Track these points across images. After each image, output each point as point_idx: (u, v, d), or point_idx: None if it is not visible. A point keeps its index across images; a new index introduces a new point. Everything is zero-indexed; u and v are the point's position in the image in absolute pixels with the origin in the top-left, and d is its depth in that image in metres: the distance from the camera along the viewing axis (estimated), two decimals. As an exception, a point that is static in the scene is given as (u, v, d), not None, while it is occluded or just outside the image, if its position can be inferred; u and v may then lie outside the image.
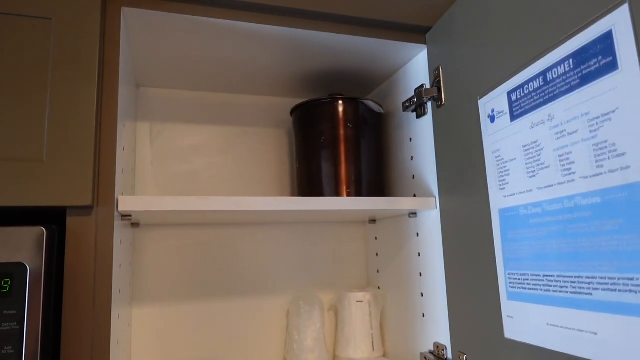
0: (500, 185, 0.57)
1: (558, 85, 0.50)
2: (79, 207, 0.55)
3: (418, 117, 0.80)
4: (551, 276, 0.50)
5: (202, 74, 0.86)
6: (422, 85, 0.79)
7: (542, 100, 0.52)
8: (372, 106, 0.85)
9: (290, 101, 1.00)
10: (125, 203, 0.59)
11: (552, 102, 0.50)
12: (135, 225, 0.82)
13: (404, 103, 0.80)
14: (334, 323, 0.95)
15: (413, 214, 0.81)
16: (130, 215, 0.65)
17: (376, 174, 0.84)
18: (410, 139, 0.83)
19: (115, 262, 0.59)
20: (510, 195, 0.56)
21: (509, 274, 0.56)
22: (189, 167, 0.91)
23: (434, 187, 0.75)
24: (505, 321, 0.56)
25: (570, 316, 0.48)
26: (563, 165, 0.49)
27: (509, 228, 0.56)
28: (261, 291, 0.92)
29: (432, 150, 0.75)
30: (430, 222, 0.76)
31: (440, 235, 0.73)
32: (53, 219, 0.61)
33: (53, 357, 0.53)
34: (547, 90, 0.51)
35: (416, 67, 0.81)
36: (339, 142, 0.82)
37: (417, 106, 0.79)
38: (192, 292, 0.88)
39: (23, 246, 0.50)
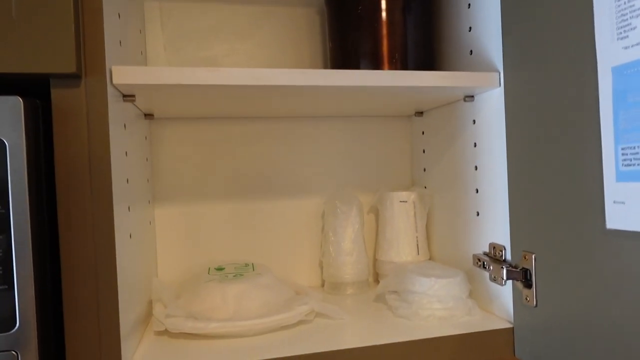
0: (621, 32, 0.43)
1: None
2: (63, 76, 0.46)
3: (479, -28, 0.64)
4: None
5: None
6: None
7: None
8: (420, -35, 0.69)
9: (321, -27, 0.85)
10: (120, 74, 0.49)
11: None
12: (149, 116, 0.74)
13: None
14: (374, 226, 0.86)
15: (469, 97, 0.68)
16: (133, 95, 0.56)
17: (424, 50, 0.70)
18: (469, 4, 0.67)
19: (117, 146, 0.51)
20: (637, 45, 0.41)
21: (622, 149, 0.43)
22: (207, 53, 0.80)
23: (498, 62, 0.61)
24: (610, 208, 0.44)
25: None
26: None
27: (630, 90, 0.42)
28: (294, 191, 0.83)
29: (496, 16, 0.60)
30: (490, 104, 0.63)
31: (503, 119, 0.60)
32: (40, 96, 0.53)
33: (51, 245, 0.47)
34: None
35: None
36: (379, 11, 0.68)
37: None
38: (218, 191, 0.81)
39: (-3, 119, 0.42)
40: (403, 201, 0.79)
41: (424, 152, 0.84)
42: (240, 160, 0.82)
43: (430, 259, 0.81)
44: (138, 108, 0.67)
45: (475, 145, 0.67)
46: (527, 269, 0.56)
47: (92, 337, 0.48)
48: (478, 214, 0.67)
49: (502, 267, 0.58)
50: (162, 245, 0.79)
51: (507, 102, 0.59)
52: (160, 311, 0.62)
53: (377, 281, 0.84)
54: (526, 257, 0.56)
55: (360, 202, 0.81)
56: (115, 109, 0.51)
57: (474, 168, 0.68)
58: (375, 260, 0.84)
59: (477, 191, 0.67)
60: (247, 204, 0.82)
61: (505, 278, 0.58)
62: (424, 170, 0.84)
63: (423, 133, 0.84)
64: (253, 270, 0.71)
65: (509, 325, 0.60)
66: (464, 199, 0.70)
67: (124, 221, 0.53)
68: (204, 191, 0.80)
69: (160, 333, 0.62)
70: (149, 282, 0.68)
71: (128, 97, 0.56)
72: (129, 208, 0.56)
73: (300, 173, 0.84)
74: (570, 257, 0.50)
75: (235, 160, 0.81)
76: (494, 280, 0.62)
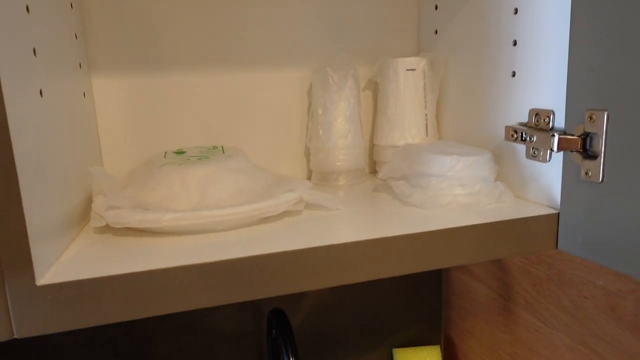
0: None
1: None
2: None
3: None
4: None
5: None
6: None
7: None
8: None
9: None
10: None
11: None
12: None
13: None
14: (371, 106, 0.71)
15: None
16: None
17: None
18: None
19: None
20: None
21: None
22: None
23: None
24: None
25: None
26: None
27: None
28: (274, 61, 0.65)
29: None
30: None
31: None
32: None
33: None
34: None
35: None
36: None
37: None
38: (177, 57, 0.62)
39: None
40: (411, 69, 0.63)
41: (436, 8, 0.66)
42: (206, 16, 0.62)
43: (442, 141, 0.67)
44: None
45: (516, -19, 0.50)
46: (590, 134, 0.42)
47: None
48: (514, 74, 0.52)
49: (553, 135, 0.44)
50: (106, 128, 0.61)
51: None
52: (101, 203, 0.46)
53: (374, 172, 0.70)
54: (592, 117, 0.41)
55: (357, 71, 0.64)
56: None
57: (512, 11, 0.51)
58: (372, 146, 0.69)
59: (514, 43, 0.51)
60: (215, 75, 0.64)
61: (556, 149, 0.44)
62: (435, 32, 0.66)
63: (436, -17, 0.65)
64: (223, 153, 0.55)
65: (552, 211, 0.47)
66: (494, 56, 0.54)
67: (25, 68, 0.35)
68: (157, 55, 0.61)
69: (101, 230, 0.47)
70: (87, 172, 0.52)
71: None
72: (42, 91, 0.38)
73: (281, 38, 0.65)
74: (666, 109, 0.35)
75: (200, 15, 0.62)
76: (533, 156, 0.48)
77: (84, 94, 0.56)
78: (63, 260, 0.40)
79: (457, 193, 0.50)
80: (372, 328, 0.81)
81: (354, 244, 0.41)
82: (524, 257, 0.64)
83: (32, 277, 0.34)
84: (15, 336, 0.35)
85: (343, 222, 0.47)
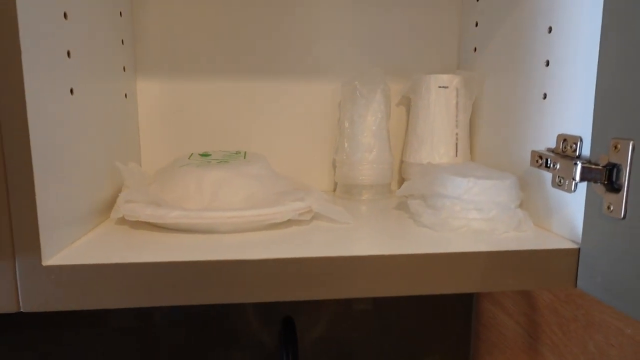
0: None
1: None
2: None
3: None
4: None
5: None
6: None
7: None
8: None
9: None
10: None
11: None
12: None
13: None
14: (404, 122, 0.69)
15: None
16: None
17: None
18: None
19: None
20: None
21: None
22: None
23: None
24: None
25: None
26: None
27: None
28: (305, 72, 0.67)
29: None
30: None
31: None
32: None
33: None
34: None
35: None
36: None
37: None
38: (215, 65, 0.65)
39: None
40: (443, 86, 0.61)
41: (476, 24, 0.64)
42: (244, 27, 0.65)
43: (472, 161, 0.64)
44: None
45: (552, -1, 0.47)
46: (615, 165, 0.38)
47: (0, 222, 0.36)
48: (545, 97, 0.49)
49: (576, 164, 0.41)
50: (146, 128, 0.66)
51: None
52: (122, 196, 0.49)
53: (402, 189, 0.69)
54: (617, 146, 0.38)
55: (388, 87, 0.63)
56: None
57: (546, 30, 0.48)
58: (401, 162, 0.68)
59: (547, 63, 0.48)
60: (250, 83, 0.66)
61: (578, 179, 0.40)
62: (475, 50, 0.64)
63: (478, 0, 0.63)
64: (244, 158, 0.57)
65: (572, 246, 0.44)
66: (527, 77, 0.52)
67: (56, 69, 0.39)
68: (197, 62, 0.65)
69: (120, 222, 0.50)
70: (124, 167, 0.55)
71: None
72: (72, 90, 0.42)
73: (314, 50, 0.67)
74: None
75: (239, 26, 0.65)
76: (558, 185, 0.45)
77: (126, 95, 0.60)
78: (75, 245, 0.43)
79: (471, 217, 0.47)
80: (395, 351, 0.78)
81: (345, 259, 0.40)
82: (553, 293, 0.59)
83: (39, 258, 0.37)
84: (22, 310, 0.38)
85: (347, 236, 0.47)
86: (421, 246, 0.43)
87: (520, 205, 0.50)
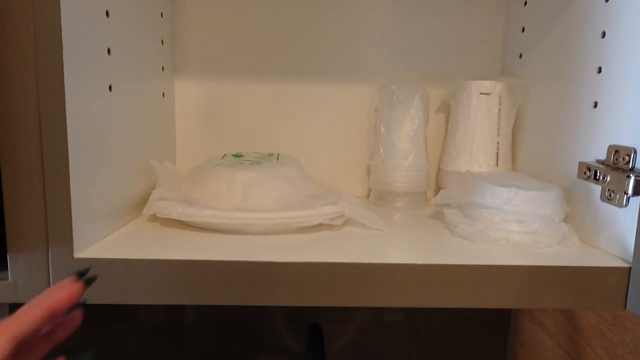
0: None
1: None
2: None
3: None
4: None
5: None
6: None
7: None
8: None
9: None
10: None
11: None
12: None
13: None
14: (442, 129, 0.67)
15: None
16: None
17: None
18: None
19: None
20: None
21: None
22: None
23: None
24: None
25: None
26: None
27: None
28: (342, 75, 0.66)
29: None
30: None
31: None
32: None
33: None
34: None
35: None
36: None
37: None
38: (253, 67, 0.65)
39: None
40: (485, 93, 0.59)
41: (523, 30, 0.61)
42: (283, 29, 0.65)
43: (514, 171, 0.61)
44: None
45: (606, 0, 0.45)
46: (672, 179, 0.35)
47: (36, 214, 0.37)
48: (596, 105, 0.46)
49: (629, 176, 0.38)
50: (182, 126, 0.66)
51: None
52: (155, 194, 0.50)
53: (438, 198, 0.67)
54: (677, 158, 0.35)
55: (427, 92, 0.62)
56: None
57: (600, 35, 0.45)
58: (438, 170, 0.66)
59: (599, 70, 0.45)
60: (287, 85, 0.66)
61: (631, 192, 0.38)
62: (520, 56, 0.61)
63: (525, 4, 0.61)
64: (277, 160, 0.57)
65: (623, 264, 0.40)
66: (577, 84, 0.49)
67: (95, 68, 0.40)
68: (235, 64, 0.65)
69: (151, 219, 0.51)
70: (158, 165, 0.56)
71: None
72: (110, 87, 0.43)
73: (353, 53, 0.65)
74: None
75: (278, 29, 0.65)
76: (608, 199, 0.42)
77: (163, 94, 0.61)
78: (107, 239, 0.43)
79: (512, 229, 0.45)
80: (423, 364, 0.76)
81: (373, 266, 0.39)
82: (598, 314, 0.55)
83: (71, 250, 0.38)
84: (52, 301, 0.39)
85: (378, 243, 0.45)
86: (457, 257, 0.41)
87: (565, 219, 0.47)
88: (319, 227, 0.48)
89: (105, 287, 0.38)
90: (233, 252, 0.40)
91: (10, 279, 0.38)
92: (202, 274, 0.38)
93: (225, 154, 0.58)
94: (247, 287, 0.38)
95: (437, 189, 0.67)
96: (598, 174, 0.43)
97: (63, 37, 0.35)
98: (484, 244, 0.45)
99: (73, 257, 0.38)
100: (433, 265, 0.39)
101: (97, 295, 0.38)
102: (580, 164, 0.45)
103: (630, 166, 0.40)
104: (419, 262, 0.39)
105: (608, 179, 0.41)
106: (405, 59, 0.66)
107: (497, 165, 0.59)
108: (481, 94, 0.59)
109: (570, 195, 0.48)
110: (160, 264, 0.38)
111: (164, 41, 0.60)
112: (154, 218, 0.50)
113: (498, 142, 0.59)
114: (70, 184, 0.37)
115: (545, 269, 0.40)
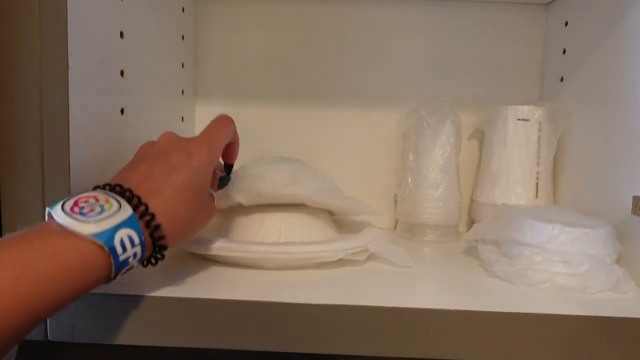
0: None
1: None
2: None
3: None
4: None
5: None
6: None
7: None
8: None
9: None
10: None
11: None
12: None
13: None
14: (476, 158, 0.63)
15: None
16: None
17: None
18: None
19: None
20: None
21: None
22: None
23: None
24: None
25: None
26: None
27: None
28: (368, 100, 0.63)
29: None
30: None
31: None
32: None
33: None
34: None
35: None
36: None
37: None
38: (274, 89, 0.63)
39: None
40: (523, 119, 0.54)
41: (564, 52, 0.57)
42: (310, 53, 0.62)
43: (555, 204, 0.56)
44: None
45: (662, 18, 0.40)
46: None
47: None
48: (652, 133, 0.41)
49: (697, 214, 0.33)
50: (201, 153, 0.64)
51: None
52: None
53: (471, 231, 0.62)
54: None
55: (459, 118, 0.58)
56: None
57: (655, 55, 0.41)
58: (471, 202, 0.61)
59: (655, 94, 0.41)
60: (311, 110, 0.63)
61: (700, 233, 0.32)
62: (561, 79, 0.57)
63: (566, 24, 0.57)
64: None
65: (691, 317, 0.35)
66: (626, 108, 0.44)
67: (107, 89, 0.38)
68: (258, 88, 0.63)
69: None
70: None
71: None
72: (122, 110, 0.41)
73: (382, 76, 0.63)
74: None
75: (304, 53, 0.62)
76: (669, 239, 0.37)
77: (182, 118, 0.59)
78: (113, 272, 0.40)
79: (556, 271, 0.40)
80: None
81: (398, 310, 0.34)
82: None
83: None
84: (49, 338, 0.36)
85: (405, 283, 0.41)
86: (494, 302, 0.36)
87: (617, 261, 0.42)
88: (341, 261, 0.44)
89: (106, 324, 0.35)
90: (241, 290, 0.36)
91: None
92: (205, 316, 0.35)
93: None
94: (254, 332, 0.34)
95: (470, 222, 0.62)
96: (657, 211, 0.38)
97: (69, 54, 0.33)
98: (525, 286, 0.40)
99: (73, 291, 0.35)
100: (467, 312, 0.34)
101: (97, 334, 0.35)
102: (635, 198, 0.40)
103: (697, 202, 0.35)
104: (451, 307, 0.35)
105: (671, 217, 0.36)
106: (435, 83, 0.62)
107: (536, 198, 0.54)
108: (518, 120, 0.54)
109: (622, 234, 0.43)
110: (157, 301, 0.35)
111: (184, 64, 0.59)
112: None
113: (538, 172, 0.54)
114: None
115: (600, 320, 0.35)
